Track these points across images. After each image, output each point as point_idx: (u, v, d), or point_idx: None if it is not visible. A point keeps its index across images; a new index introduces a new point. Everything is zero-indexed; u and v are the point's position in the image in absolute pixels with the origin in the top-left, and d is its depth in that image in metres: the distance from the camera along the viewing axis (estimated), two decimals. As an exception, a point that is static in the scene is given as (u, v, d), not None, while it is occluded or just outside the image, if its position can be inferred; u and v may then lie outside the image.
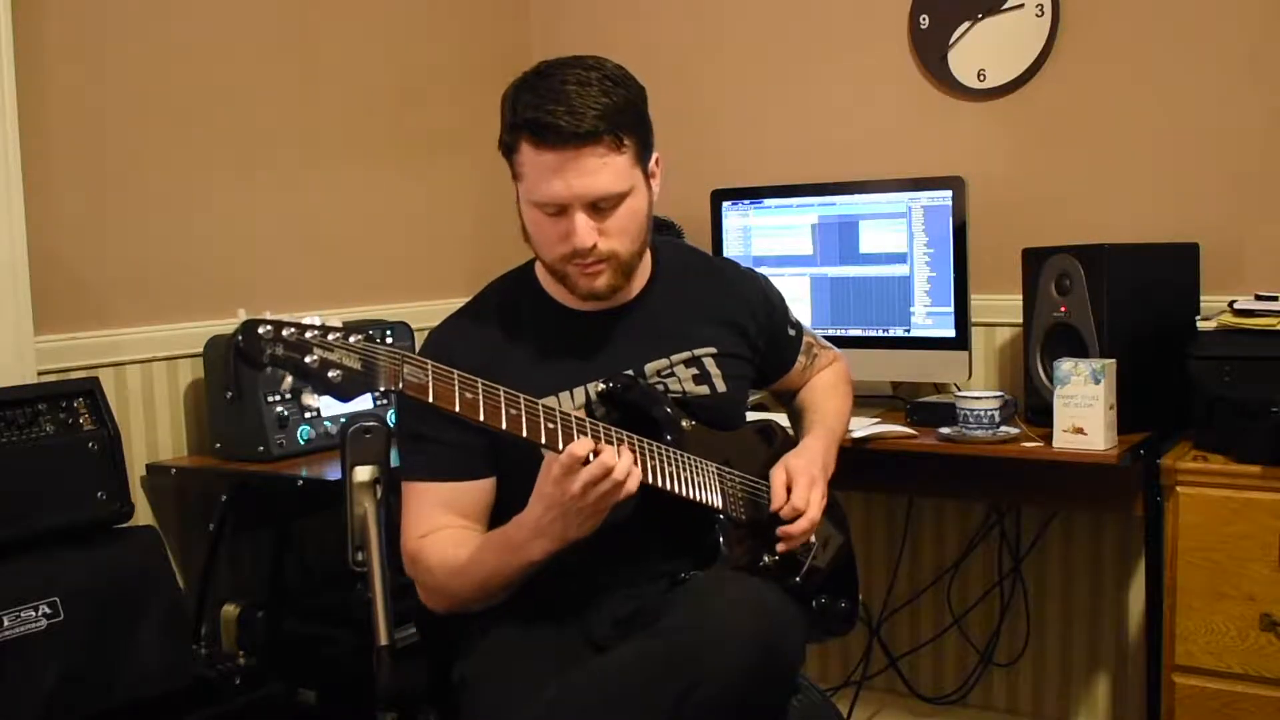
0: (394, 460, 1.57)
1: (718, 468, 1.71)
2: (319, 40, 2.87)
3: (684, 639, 1.44)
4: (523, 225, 1.68)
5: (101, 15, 2.43)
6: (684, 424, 1.70)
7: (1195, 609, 2.17)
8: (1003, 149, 2.82)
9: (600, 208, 1.62)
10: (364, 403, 1.44)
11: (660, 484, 1.61)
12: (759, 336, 1.88)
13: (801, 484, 1.71)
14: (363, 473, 1.49)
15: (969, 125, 2.86)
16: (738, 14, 3.14)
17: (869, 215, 2.74)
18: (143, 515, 2.45)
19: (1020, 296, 2.52)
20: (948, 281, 2.65)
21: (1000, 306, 2.77)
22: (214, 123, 2.63)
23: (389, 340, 2.65)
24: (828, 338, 2.12)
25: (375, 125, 3.01)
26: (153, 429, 2.52)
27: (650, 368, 1.75)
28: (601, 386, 1.70)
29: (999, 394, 2.39)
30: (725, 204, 2.92)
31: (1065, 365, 2.24)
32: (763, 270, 2.03)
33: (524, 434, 1.49)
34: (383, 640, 1.42)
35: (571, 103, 1.56)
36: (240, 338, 1.36)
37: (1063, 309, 2.40)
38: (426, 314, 2.50)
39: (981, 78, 2.83)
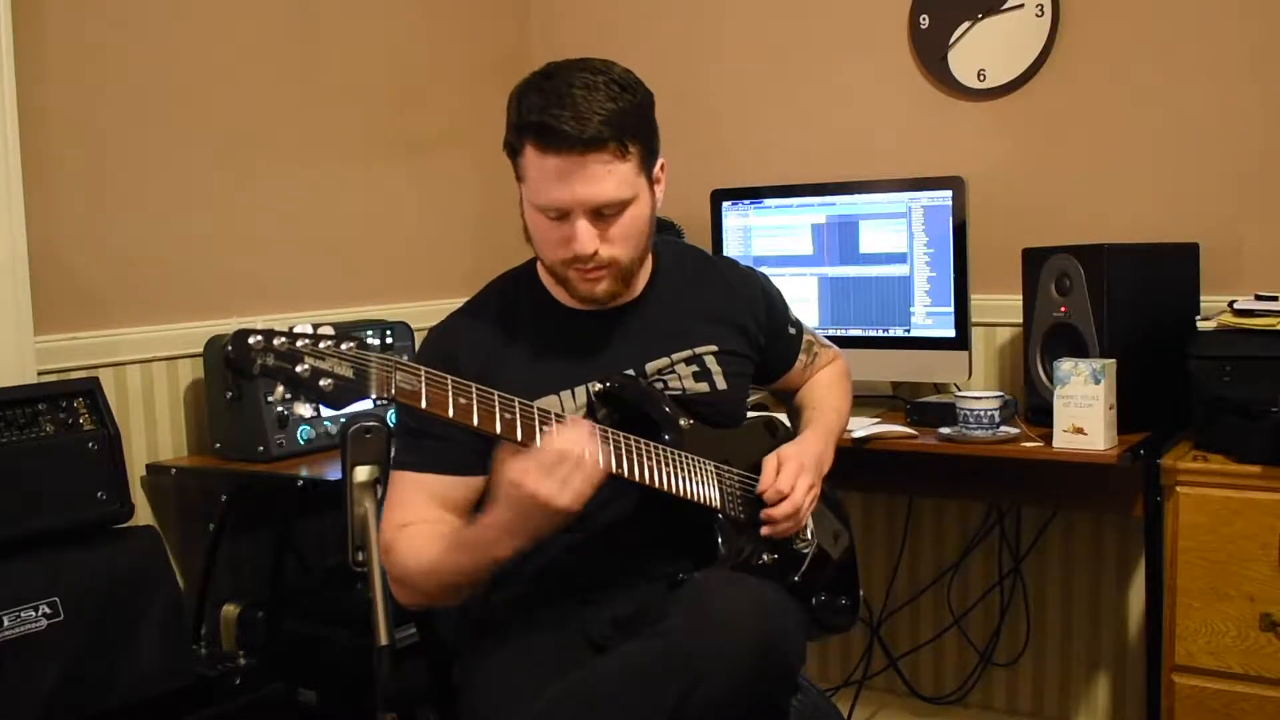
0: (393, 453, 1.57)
1: (716, 466, 1.71)
2: (319, 40, 2.87)
3: (684, 639, 1.44)
4: (524, 225, 1.68)
5: (101, 15, 2.43)
6: (682, 423, 1.70)
7: (1195, 609, 2.17)
8: (1003, 149, 2.82)
9: (603, 214, 1.61)
10: (364, 403, 1.44)
11: (659, 484, 1.60)
12: (759, 335, 1.88)
13: (789, 470, 1.71)
14: (363, 473, 1.49)
15: (969, 125, 2.86)
16: (738, 14, 3.14)
17: (869, 215, 2.74)
18: (143, 515, 2.45)
19: (1020, 296, 2.52)
20: (948, 281, 2.65)
21: (1000, 306, 2.77)
22: (214, 123, 2.63)
23: (389, 340, 2.65)
24: (828, 338, 2.12)
25: (375, 125, 3.01)
26: (153, 429, 2.52)
27: (651, 366, 1.75)
28: (599, 386, 1.69)
29: (999, 394, 2.39)
30: (725, 204, 2.92)
31: (1065, 365, 2.24)
32: (763, 270, 2.02)
33: (519, 438, 1.49)
34: (383, 640, 1.43)
35: (578, 107, 1.55)
36: (230, 348, 1.36)
37: (1063, 309, 2.40)
38: (426, 314, 2.50)
39: (981, 78, 2.83)
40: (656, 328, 1.77)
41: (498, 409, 1.49)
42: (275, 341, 1.37)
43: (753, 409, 1.97)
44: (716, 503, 1.68)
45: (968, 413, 2.37)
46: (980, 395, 2.38)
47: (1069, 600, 2.85)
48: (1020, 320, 2.54)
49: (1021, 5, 2.76)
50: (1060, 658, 2.88)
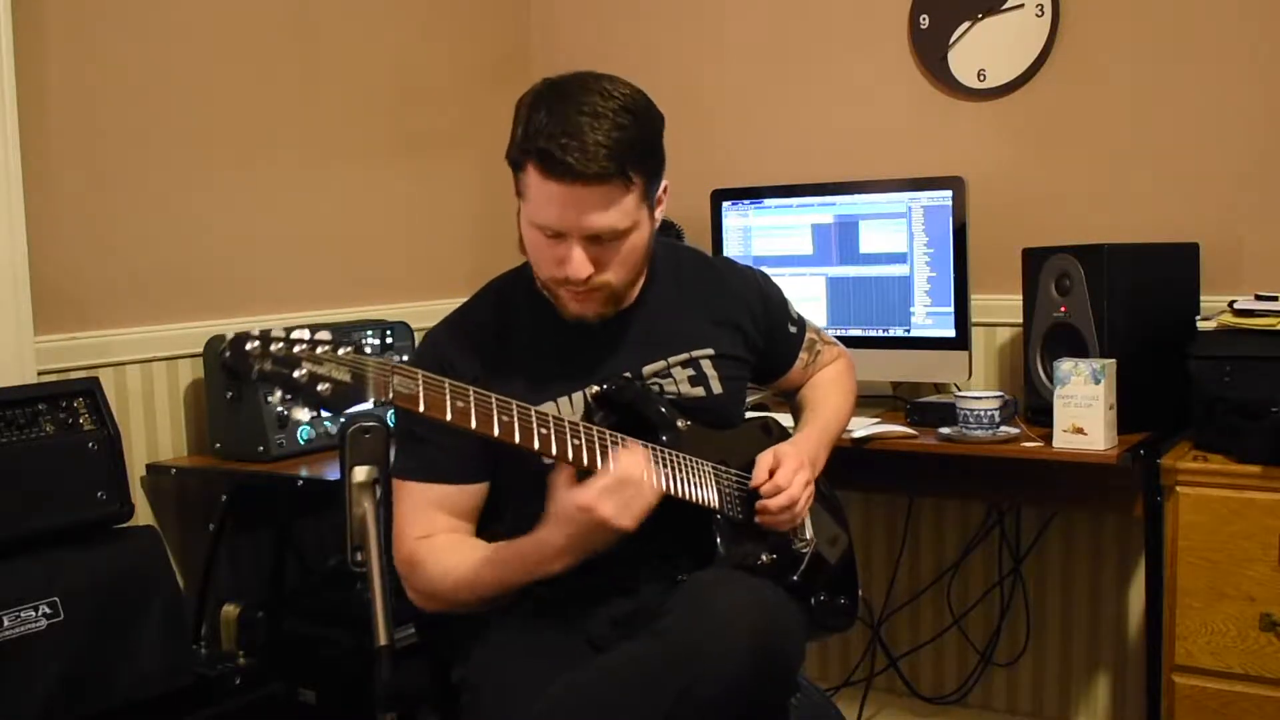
0: (393, 458, 1.58)
1: (713, 467, 1.71)
2: (319, 40, 2.87)
3: (683, 638, 1.44)
4: (520, 237, 1.68)
5: (101, 15, 2.43)
6: (680, 424, 1.70)
7: (1195, 609, 2.17)
8: (1003, 149, 2.82)
9: (600, 240, 1.61)
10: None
11: (658, 485, 1.60)
12: (757, 336, 1.88)
13: (787, 466, 1.71)
14: (362, 473, 1.48)
15: (969, 125, 2.86)
16: (738, 14, 3.14)
17: (869, 215, 2.74)
18: (143, 515, 2.45)
19: (1020, 296, 2.52)
20: (948, 281, 2.65)
21: (1000, 306, 2.77)
22: (214, 123, 2.63)
23: (389, 340, 2.65)
24: (829, 338, 2.12)
25: (375, 125, 3.01)
26: (153, 429, 2.52)
27: (648, 370, 1.75)
28: (596, 389, 1.70)
29: (999, 394, 2.39)
30: (725, 204, 2.92)
31: (1065, 365, 2.24)
32: (763, 270, 2.02)
33: (516, 441, 1.49)
34: (383, 640, 1.42)
35: (584, 138, 1.53)
36: (227, 354, 1.36)
37: (1063, 309, 2.40)
38: (426, 314, 2.49)
39: (981, 78, 2.83)
40: (653, 332, 1.77)
41: (495, 411, 1.49)
42: (273, 346, 1.37)
43: (753, 409, 1.97)
44: (715, 503, 1.68)
45: (968, 413, 2.37)
46: (980, 395, 2.38)
47: (1069, 600, 2.85)
48: (1020, 320, 2.55)
49: (1021, 5, 2.76)
50: (1060, 658, 2.88)
